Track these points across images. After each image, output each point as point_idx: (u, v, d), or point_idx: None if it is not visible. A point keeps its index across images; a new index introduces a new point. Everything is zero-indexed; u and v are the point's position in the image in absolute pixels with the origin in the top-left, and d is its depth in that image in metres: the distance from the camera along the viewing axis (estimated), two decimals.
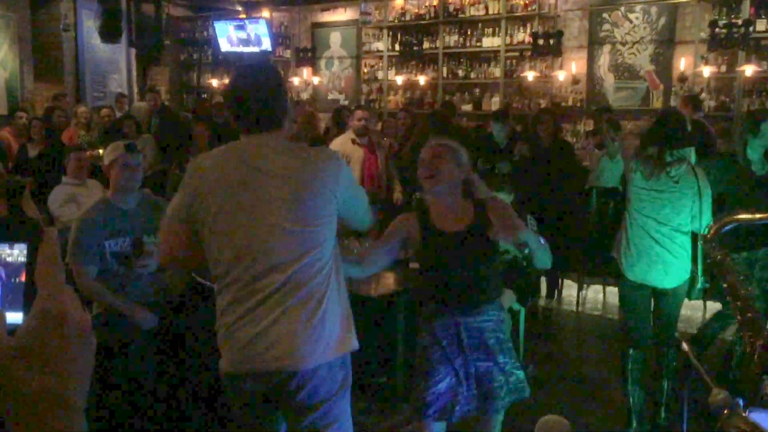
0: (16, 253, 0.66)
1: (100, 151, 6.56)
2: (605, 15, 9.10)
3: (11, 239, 0.67)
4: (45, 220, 4.43)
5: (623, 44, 8.99)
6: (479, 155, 6.18)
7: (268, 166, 2.19)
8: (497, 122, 6.69)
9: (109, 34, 8.17)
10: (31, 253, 0.66)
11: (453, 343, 2.75)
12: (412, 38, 10.45)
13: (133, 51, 11.49)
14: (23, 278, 0.66)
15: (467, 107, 9.99)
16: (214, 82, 12.17)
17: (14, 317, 0.64)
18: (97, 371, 2.80)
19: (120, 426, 3.28)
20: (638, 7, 8.85)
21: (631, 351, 3.86)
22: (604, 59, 9.16)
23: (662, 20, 8.70)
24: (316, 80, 11.58)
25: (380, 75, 10.98)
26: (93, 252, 3.35)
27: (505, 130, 6.66)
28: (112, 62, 11.06)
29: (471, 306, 2.76)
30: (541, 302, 6.27)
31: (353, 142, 6.18)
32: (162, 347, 3.46)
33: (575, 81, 9.22)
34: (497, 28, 9.72)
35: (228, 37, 11.15)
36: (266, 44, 11.02)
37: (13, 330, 0.60)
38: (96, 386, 3.11)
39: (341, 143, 6.19)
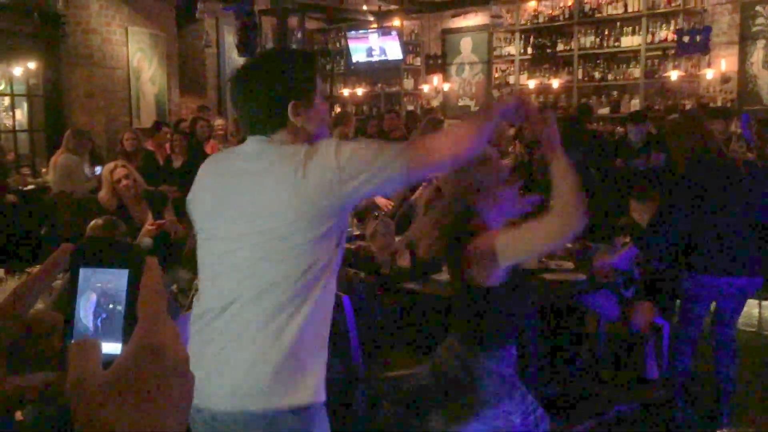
0: (116, 280, 0.62)
1: None
2: (758, 8, 8.43)
3: (112, 264, 0.62)
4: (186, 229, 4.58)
5: None
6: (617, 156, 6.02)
7: None
8: (633, 124, 6.40)
9: (246, 47, 8.52)
10: (132, 281, 0.61)
11: None
12: (545, 41, 10.16)
13: None
14: (122, 307, 0.62)
15: (604, 110, 9.57)
16: (346, 92, 12.40)
17: (112, 348, 0.60)
18: None
19: None
20: None
21: None
22: (757, 55, 8.49)
23: None
24: (446, 87, 11.52)
25: (512, 80, 10.75)
26: None
27: (641, 133, 6.36)
28: None
29: None
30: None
31: None
32: None
33: (725, 80, 8.59)
34: (637, 27, 9.26)
35: (360, 47, 11.34)
36: (397, 53, 11.12)
37: (109, 361, 0.56)
38: None
39: None
